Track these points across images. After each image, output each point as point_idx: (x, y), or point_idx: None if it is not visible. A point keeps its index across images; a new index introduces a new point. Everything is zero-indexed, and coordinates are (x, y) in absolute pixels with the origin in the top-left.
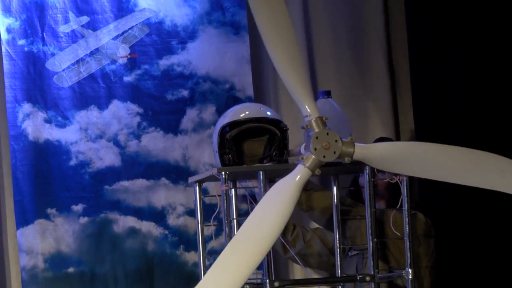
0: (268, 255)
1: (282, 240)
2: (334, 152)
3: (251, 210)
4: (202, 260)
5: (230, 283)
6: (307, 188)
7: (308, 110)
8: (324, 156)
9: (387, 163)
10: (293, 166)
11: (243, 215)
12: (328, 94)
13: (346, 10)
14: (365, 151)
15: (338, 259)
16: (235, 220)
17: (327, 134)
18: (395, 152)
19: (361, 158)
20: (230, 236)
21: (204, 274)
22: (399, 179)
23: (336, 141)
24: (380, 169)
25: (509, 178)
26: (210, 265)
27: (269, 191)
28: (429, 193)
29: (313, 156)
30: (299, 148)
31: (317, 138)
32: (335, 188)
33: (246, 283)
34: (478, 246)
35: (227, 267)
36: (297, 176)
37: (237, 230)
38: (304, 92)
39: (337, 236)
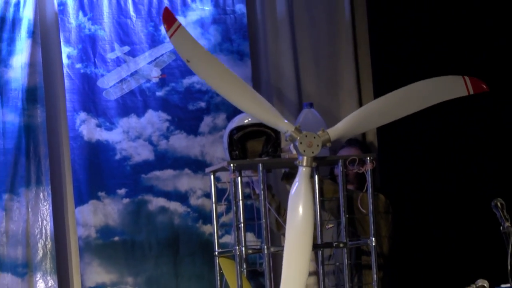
0: (266, 229)
1: (278, 218)
2: (318, 145)
3: (253, 193)
4: (216, 231)
5: (300, 270)
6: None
7: (284, 128)
8: (312, 152)
9: (356, 129)
10: (284, 160)
11: (246, 197)
12: (311, 105)
13: (325, 40)
14: (336, 132)
15: (319, 231)
16: (240, 201)
17: (306, 136)
18: (355, 119)
19: (338, 137)
20: (237, 212)
21: (217, 242)
22: (365, 170)
23: (314, 137)
24: (350, 161)
25: (442, 89)
26: (222, 235)
27: (292, 196)
28: (388, 178)
29: (305, 157)
30: (289, 146)
31: (301, 143)
32: (316, 176)
33: (248, 248)
34: (426, 220)
35: (293, 260)
36: (303, 177)
37: (242, 209)
38: (272, 116)
39: (318, 214)
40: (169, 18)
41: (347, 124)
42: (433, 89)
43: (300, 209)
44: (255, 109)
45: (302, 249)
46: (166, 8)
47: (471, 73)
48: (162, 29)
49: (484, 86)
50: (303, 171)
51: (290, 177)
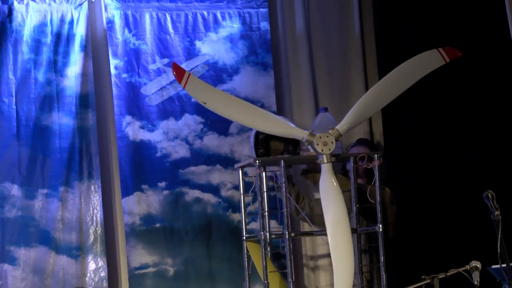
0: (287, 217)
1: (297, 206)
2: (332, 142)
3: (276, 187)
4: (244, 219)
5: (346, 248)
6: (317, 170)
7: (300, 135)
8: (329, 149)
9: (359, 119)
10: (303, 157)
11: (270, 189)
12: (326, 109)
13: (338, 53)
14: (344, 126)
15: None
16: (265, 192)
17: (320, 137)
18: (356, 111)
19: (347, 130)
20: (262, 202)
21: (245, 228)
22: (373, 165)
23: (327, 136)
24: (360, 158)
25: (422, 63)
26: (249, 222)
27: (322, 190)
28: (393, 173)
29: (324, 155)
30: (307, 146)
31: (317, 144)
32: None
33: (272, 233)
34: (426, 209)
35: (338, 242)
36: (327, 172)
37: (266, 199)
38: (287, 128)
39: None
40: (178, 70)
41: (351, 118)
42: (414, 66)
43: (333, 199)
44: (272, 127)
45: (344, 231)
46: (174, 63)
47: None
48: (197, 43)
49: (458, 53)
50: (325, 168)
51: (308, 172)
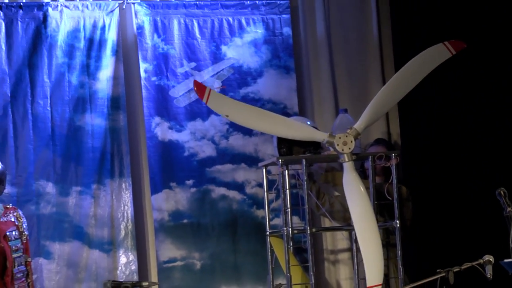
0: (308, 213)
1: (317, 202)
2: (351, 141)
3: (298, 184)
4: (267, 215)
5: (375, 240)
6: (333, 170)
7: (320, 137)
8: (349, 148)
9: (374, 117)
10: (323, 156)
11: (292, 186)
12: (345, 110)
13: (356, 56)
14: (361, 125)
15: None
16: (287, 190)
17: (340, 137)
18: (371, 110)
19: (364, 128)
20: (284, 199)
21: (268, 223)
22: (390, 164)
23: (346, 136)
24: (378, 157)
25: (429, 58)
26: (272, 218)
27: (346, 188)
28: (409, 171)
29: (345, 154)
30: (328, 146)
31: (338, 144)
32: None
33: (294, 229)
34: (441, 206)
35: (366, 234)
36: (349, 170)
37: (289, 196)
38: (309, 132)
39: None
40: (199, 87)
41: (367, 116)
42: (423, 61)
43: (358, 195)
44: (294, 133)
45: (371, 224)
46: (195, 81)
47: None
48: (223, 47)
49: (463, 44)
50: (347, 166)
51: (327, 171)
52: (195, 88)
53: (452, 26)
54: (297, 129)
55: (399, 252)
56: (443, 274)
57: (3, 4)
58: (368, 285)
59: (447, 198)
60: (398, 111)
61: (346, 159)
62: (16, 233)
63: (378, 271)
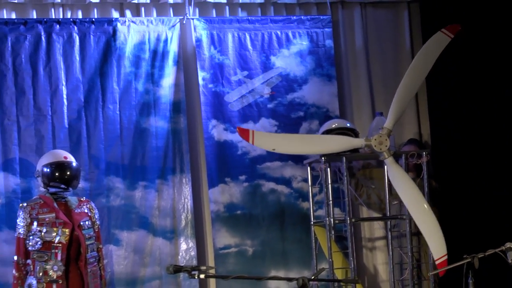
0: (348, 205)
1: (355, 194)
2: (386, 139)
3: (340, 179)
4: (312, 206)
5: (430, 220)
6: (370, 166)
7: (359, 144)
8: (386, 146)
9: (399, 112)
10: (361, 154)
11: (334, 181)
12: (381, 114)
13: (391, 65)
14: (390, 122)
15: (388, 205)
16: (329, 184)
17: (375, 139)
18: (394, 107)
19: (393, 124)
20: (327, 193)
21: (313, 214)
22: (421, 161)
23: (380, 136)
24: (410, 155)
25: (433, 48)
26: (316, 209)
27: (393, 179)
28: (439, 168)
29: (384, 152)
30: (366, 149)
31: (375, 146)
32: (385, 167)
33: (335, 219)
34: (467, 199)
35: (421, 217)
36: (391, 164)
37: (331, 190)
38: (348, 142)
39: (387, 193)
40: (243, 132)
41: (392, 113)
42: (428, 51)
43: (405, 183)
44: (335, 146)
45: (423, 205)
46: (238, 128)
47: None
48: (272, 58)
49: (458, 27)
50: (389, 161)
51: (365, 168)
52: (240, 134)
53: (476, 38)
54: (337, 142)
55: None
56: (469, 260)
57: (78, 20)
58: (435, 258)
59: (473, 191)
60: (429, 114)
61: (386, 156)
62: (89, 222)
63: (440, 244)
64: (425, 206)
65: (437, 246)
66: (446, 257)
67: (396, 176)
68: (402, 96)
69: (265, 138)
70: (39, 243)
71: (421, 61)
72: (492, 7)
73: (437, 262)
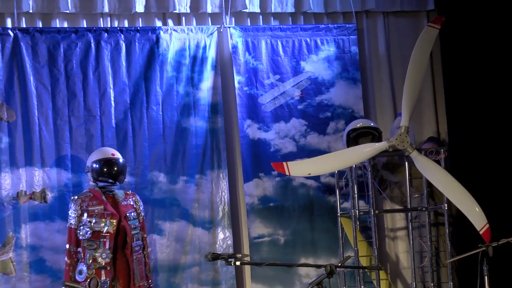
0: (372, 198)
1: (379, 188)
2: (406, 136)
3: (363, 174)
4: (338, 199)
5: (465, 196)
6: (393, 161)
7: (383, 147)
8: (407, 142)
9: (411, 104)
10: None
11: (359, 176)
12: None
13: None
14: (405, 120)
15: (408, 198)
16: (355, 179)
17: (396, 139)
18: (405, 104)
19: (408, 119)
20: (353, 187)
21: (339, 206)
22: (439, 158)
23: (400, 134)
24: (429, 152)
25: (424, 43)
26: (342, 202)
27: (424, 172)
28: (455, 163)
29: (408, 148)
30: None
31: (398, 145)
32: (406, 163)
33: (360, 211)
34: (482, 192)
35: (461, 197)
36: (417, 156)
37: (356, 184)
38: (373, 149)
39: (407, 186)
40: (278, 166)
41: (405, 111)
42: (421, 46)
43: (435, 170)
44: (361, 156)
45: (455, 184)
46: (273, 163)
47: None
48: (302, 63)
49: (442, 17)
50: (414, 155)
51: (389, 163)
52: (275, 168)
53: (492, 39)
54: (363, 151)
55: (447, 229)
56: (484, 248)
57: (124, 29)
58: (478, 229)
59: (487, 184)
60: (446, 114)
61: (410, 150)
62: (134, 214)
63: (480, 216)
64: (457, 184)
65: (477, 218)
66: (487, 225)
67: (425, 165)
68: (409, 93)
69: (299, 166)
70: (89, 232)
71: (418, 57)
72: (507, 13)
73: (481, 232)
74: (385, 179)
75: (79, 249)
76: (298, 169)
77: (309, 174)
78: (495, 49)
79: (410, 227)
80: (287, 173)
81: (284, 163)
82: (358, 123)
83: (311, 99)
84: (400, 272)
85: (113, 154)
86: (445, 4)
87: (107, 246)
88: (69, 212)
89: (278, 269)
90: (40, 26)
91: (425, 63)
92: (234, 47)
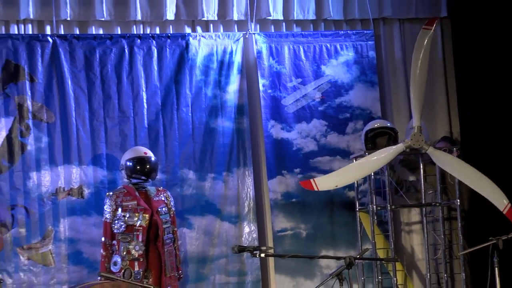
0: (388, 194)
1: (396, 186)
2: (420, 135)
3: (380, 171)
4: (357, 195)
5: (482, 180)
6: (409, 158)
7: (400, 148)
8: (422, 140)
9: (419, 104)
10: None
11: (376, 173)
12: None
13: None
14: (416, 120)
15: (423, 194)
16: (372, 176)
17: (411, 139)
18: (413, 104)
19: (419, 118)
20: (370, 183)
21: (358, 202)
22: (454, 154)
23: (414, 134)
24: (443, 151)
25: (422, 44)
26: (361, 197)
27: (444, 166)
28: (467, 162)
29: (423, 146)
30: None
31: (413, 144)
32: (421, 160)
33: (377, 206)
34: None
35: (481, 183)
36: (433, 152)
37: (373, 181)
38: (390, 152)
39: (422, 183)
40: (306, 184)
41: (414, 111)
42: (420, 49)
43: (453, 162)
44: (379, 163)
45: (474, 173)
46: (301, 182)
47: None
48: (322, 67)
49: (436, 19)
50: (431, 151)
51: (404, 161)
52: (305, 187)
53: (502, 43)
54: (383, 156)
55: (459, 224)
56: (494, 241)
57: (156, 35)
58: (501, 210)
59: (499, 183)
60: (459, 114)
61: (426, 148)
62: (165, 209)
63: (501, 197)
64: (474, 170)
65: (498, 199)
66: (510, 204)
67: (442, 158)
68: (416, 94)
69: (326, 181)
70: (123, 226)
71: (418, 58)
72: None
73: (504, 212)
74: (401, 179)
75: (114, 242)
76: (325, 183)
77: (336, 186)
78: (506, 53)
79: (425, 221)
80: (315, 189)
81: (312, 180)
82: (375, 124)
83: (331, 101)
84: (415, 263)
85: (145, 153)
86: (457, 11)
87: (140, 239)
88: (105, 207)
89: (300, 261)
90: (77, 33)
91: (426, 63)
92: (259, 52)
